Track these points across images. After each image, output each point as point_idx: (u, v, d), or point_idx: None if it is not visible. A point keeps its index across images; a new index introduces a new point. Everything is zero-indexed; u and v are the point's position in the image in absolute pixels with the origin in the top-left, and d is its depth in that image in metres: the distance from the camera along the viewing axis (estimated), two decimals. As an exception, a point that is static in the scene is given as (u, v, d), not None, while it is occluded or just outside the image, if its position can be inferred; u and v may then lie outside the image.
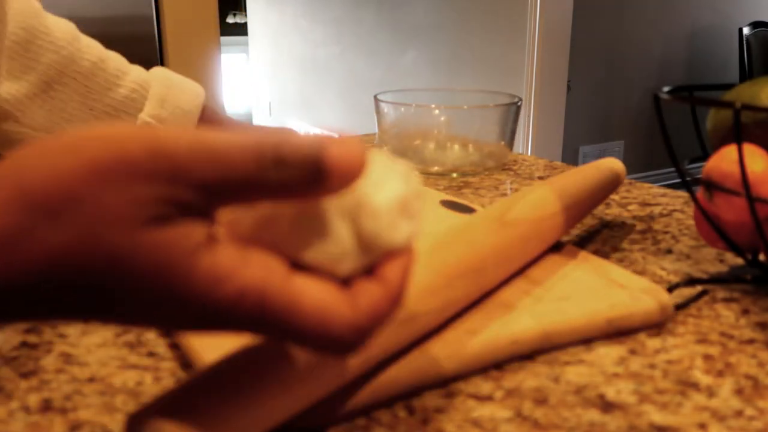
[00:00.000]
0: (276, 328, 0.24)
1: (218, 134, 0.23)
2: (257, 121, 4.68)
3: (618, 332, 0.42)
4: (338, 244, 0.25)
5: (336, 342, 0.24)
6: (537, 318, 0.41)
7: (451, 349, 0.38)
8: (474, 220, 0.45)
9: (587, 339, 0.41)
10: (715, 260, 0.55)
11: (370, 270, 0.26)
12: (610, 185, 0.59)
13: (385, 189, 0.26)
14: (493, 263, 0.43)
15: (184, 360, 0.39)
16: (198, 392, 0.26)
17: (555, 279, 0.47)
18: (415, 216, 0.27)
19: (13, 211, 0.21)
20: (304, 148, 0.24)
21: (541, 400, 0.36)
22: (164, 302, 0.22)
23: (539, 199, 0.49)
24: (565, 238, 0.58)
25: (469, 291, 0.41)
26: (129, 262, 0.22)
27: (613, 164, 0.61)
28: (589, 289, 0.45)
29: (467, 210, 0.64)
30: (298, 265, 0.25)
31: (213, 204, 0.23)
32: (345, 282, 0.25)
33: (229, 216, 0.25)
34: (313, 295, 0.24)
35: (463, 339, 0.39)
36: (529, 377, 0.38)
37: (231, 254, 0.23)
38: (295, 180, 0.24)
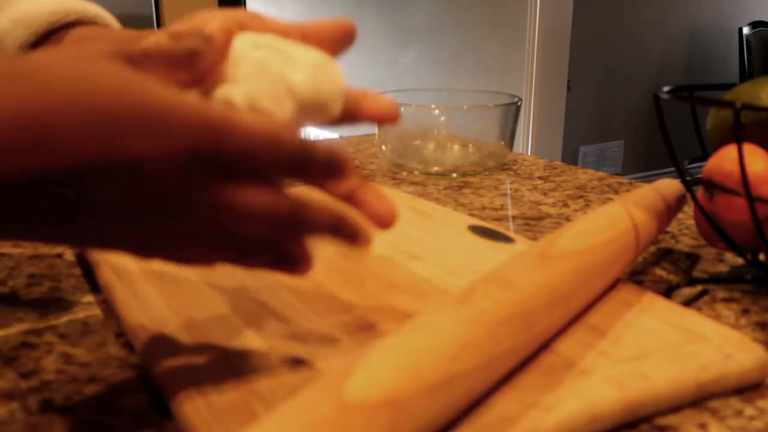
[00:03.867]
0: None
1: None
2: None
3: (708, 397, 0.36)
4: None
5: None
6: (617, 385, 0.34)
7: (518, 429, 0.31)
8: (513, 258, 0.40)
9: (674, 408, 0.35)
10: (715, 260, 0.55)
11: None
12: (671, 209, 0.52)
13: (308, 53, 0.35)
14: (543, 304, 0.36)
15: (184, 360, 0.39)
16: None
17: (621, 328, 0.40)
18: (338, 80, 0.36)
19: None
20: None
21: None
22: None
23: (587, 227, 0.43)
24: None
25: (517, 342, 0.34)
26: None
27: (671, 185, 0.54)
28: (669, 344, 0.38)
29: (501, 237, 0.55)
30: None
31: None
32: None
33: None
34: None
35: (531, 416, 0.31)
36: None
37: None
38: None
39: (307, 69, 0.34)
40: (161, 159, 0.27)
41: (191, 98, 0.28)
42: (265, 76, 0.34)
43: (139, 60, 0.30)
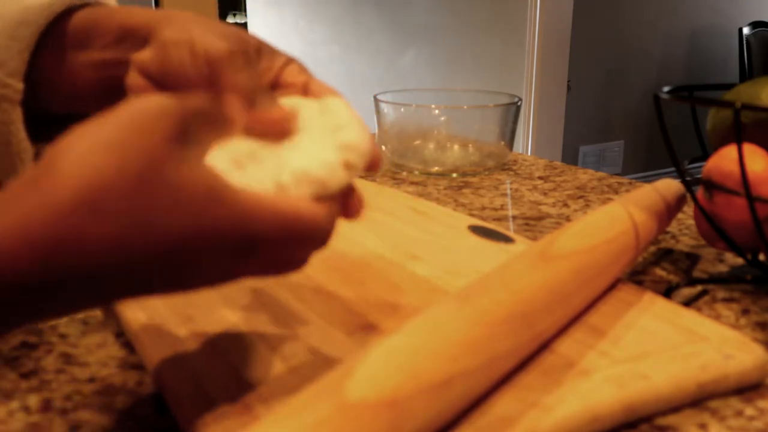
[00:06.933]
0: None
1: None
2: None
3: (708, 397, 0.36)
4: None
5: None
6: (617, 385, 0.34)
7: (518, 429, 0.31)
8: (512, 258, 0.40)
9: (674, 408, 0.35)
10: (715, 260, 0.55)
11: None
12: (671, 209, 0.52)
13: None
14: (542, 304, 0.36)
15: (184, 360, 0.39)
16: None
17: (621, 328, 0.40)
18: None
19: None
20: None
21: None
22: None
23: (587, 227, 0.43)
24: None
25: (517, 341, 0.34)
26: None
27: (671, 185, 0.54)
28: (669, 345, 0.38)
29: (501, 237, 0.55)
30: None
31: None
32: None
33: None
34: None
35: (531, 416, 0.31)
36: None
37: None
38: None
39: (353, 126, 0.33)
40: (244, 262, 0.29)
41: (266, 200, 0.29)
42: (318, 143, 0.33)
43: (193, 128, 0.29)
